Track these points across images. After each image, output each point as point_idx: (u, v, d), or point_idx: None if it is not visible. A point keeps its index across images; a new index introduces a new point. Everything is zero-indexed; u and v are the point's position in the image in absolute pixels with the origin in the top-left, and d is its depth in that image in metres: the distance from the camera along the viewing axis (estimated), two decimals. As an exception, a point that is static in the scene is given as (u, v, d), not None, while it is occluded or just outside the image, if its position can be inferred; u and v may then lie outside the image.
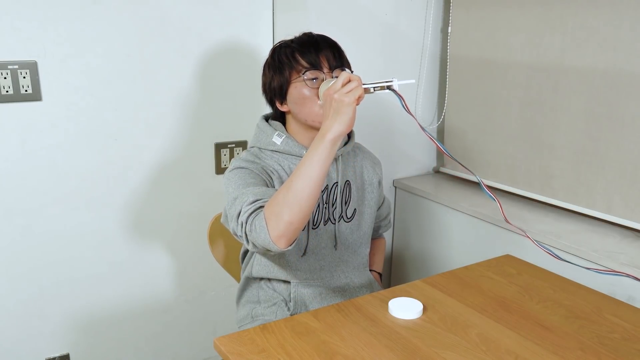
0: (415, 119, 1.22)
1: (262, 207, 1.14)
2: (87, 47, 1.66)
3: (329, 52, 1.30)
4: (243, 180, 1.24)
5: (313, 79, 1.27)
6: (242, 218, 1.15)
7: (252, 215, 1.13)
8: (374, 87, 1.16)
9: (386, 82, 1.16)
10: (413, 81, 1.13)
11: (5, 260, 1.69)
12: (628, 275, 1.30)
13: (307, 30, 1.36)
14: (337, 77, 1.27)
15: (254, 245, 1.15)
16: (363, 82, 1.13)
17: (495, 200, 1.22)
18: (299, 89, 1.28)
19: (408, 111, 1.17)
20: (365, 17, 1.94)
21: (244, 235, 1.16)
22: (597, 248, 1.52)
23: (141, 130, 1.80)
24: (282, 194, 1.10)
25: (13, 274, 1.71)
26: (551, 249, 1.60)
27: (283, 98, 1.32)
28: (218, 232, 1.58)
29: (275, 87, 1.32)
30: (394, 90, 1.17)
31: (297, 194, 1.08)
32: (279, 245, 1.10)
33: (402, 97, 1.17)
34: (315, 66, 1.27)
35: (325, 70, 1.28)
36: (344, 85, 1.10)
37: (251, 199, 1.16)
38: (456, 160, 1.28)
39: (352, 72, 1.33)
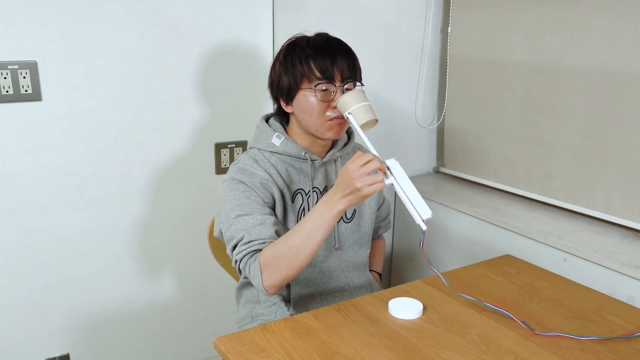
0: (426, 260, 1.18)
1: (257, 250, 1.20)
2: (87, 47, 1.66)
3: (344, 62, 1.26)
4: (239, 200, 1.26)
5: (323, 89, 1.26)
6: (237, 257, 1.22)
7: (247, 256, 1.21)
8: (403, 197, 1.11)
9: (418, 213, 1.11)
10: (425, 228, 1.14)
11: (5, 260, 1.69)
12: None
13: (308, 30, 1.34)
14: (348, 89, 1.26)
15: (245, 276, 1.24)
16: (396, 179, 1.10)
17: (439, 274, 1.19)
18: (308, 97, 1.26)
19: (422, 250, 1.16)
20: (365, 17, 1.94)
21: (237, 269, 1.25)
22: (597, 248, 1.52)
23: (141, 130, 1.80)
24: (282, 251, 1.16)
25: (13, 274, 1.71)
26: (552, 249, 1.60)
27: (289, 100, 1.31)
28: (218, 232, 1.58)
29: (283, 88, 1.30)
30: (421, 227, 1.13)
31: (297, 253, 1.15)
32: (269, 292, 1.20)
33: (424, 234, 1.14)
34: (327, 78, 1.25)
35: (337, 83, 1.26)
36: (369, 173, 1.08)
37: (247, 239, 1.21)
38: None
39: (362, 84, 1.30)
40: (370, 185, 1.08)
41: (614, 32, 1.53)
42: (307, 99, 1.26)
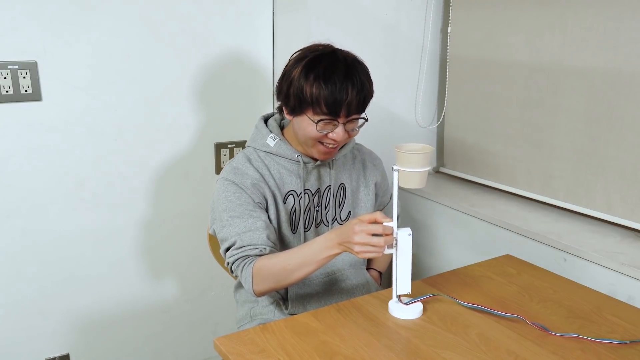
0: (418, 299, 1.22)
1: (248, 256, 1.23)
2: (87, 47, 1.66)
3: (355, 99, 1.22)
4: (230, 202, 1.28)
5: (326, 122, 1.24)
6: (229, 260, 1.27)
7: (239, 260, 1.25)
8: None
9: (397, 287, 1.17)
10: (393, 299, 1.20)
11: (5, 260, 1.69)
12: None
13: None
14: (351, 121, 1.25)
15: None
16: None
17: None
18: (308, 122, 1.24)
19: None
20: (365, 18, 1.94)
21: (229, 269, 1.30)
22: (597, 248, 1.52)
23: (141, 130, 1.80)
24: (276, 269, 1.21)
25: (13, 274, 1.71)
26: (552, 249, 1.60)
27: (291, 112, 1.29)
28: (218, 232, 1.58)
29: (288, 103, 1.27)
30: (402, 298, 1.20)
31: (288, 276, 1.20)
32: (257, 295, 1.26)
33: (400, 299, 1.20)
34: (333, 114, 1.22)
35: (342, 119, 1.24)
36: (371, 234, 1.09)
37: (239, 244, 1.24)
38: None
39: (366, 119, 1.28)
40: (365, 251, 1.10)
41: (614, 32, 1.53)
42: (308, 124, 1.25)
